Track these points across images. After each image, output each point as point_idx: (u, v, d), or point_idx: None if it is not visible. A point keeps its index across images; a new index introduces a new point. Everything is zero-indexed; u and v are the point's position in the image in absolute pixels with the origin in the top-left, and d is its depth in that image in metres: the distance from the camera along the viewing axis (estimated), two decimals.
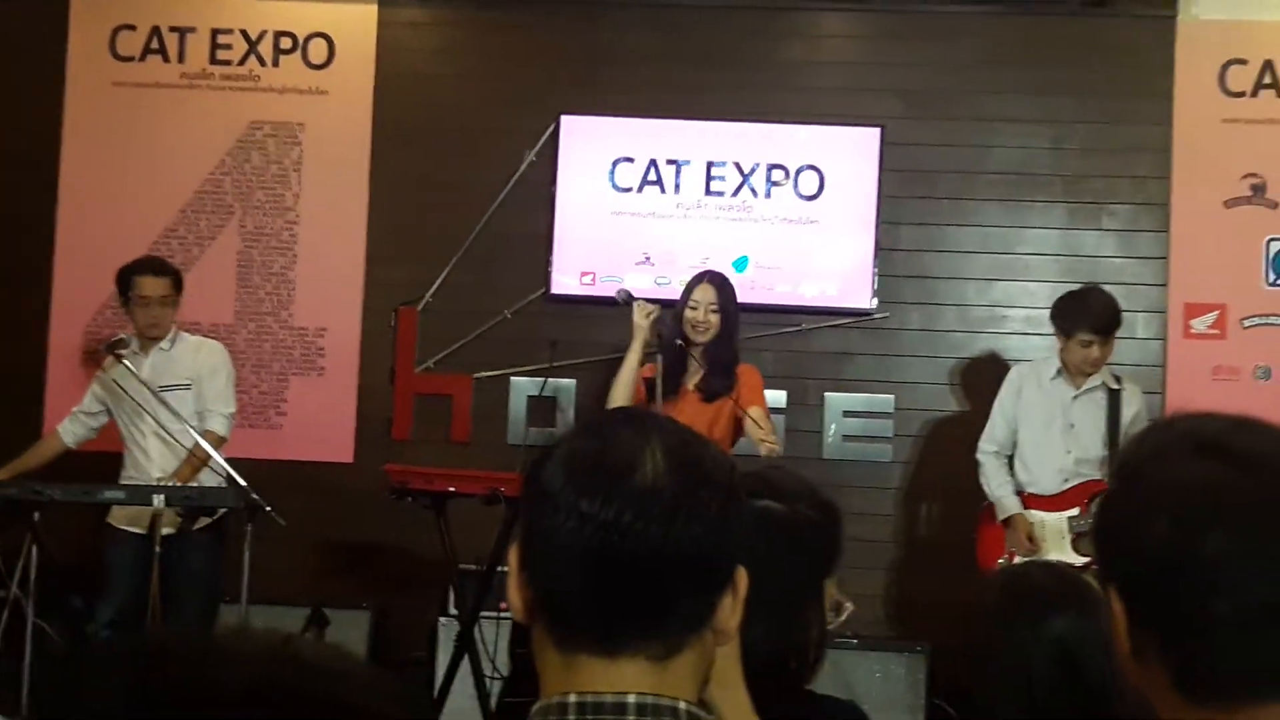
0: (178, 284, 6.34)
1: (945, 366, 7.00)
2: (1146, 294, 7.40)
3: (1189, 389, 7.27)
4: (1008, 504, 6.35)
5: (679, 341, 6.05)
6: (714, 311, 6.03)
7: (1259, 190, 7.35)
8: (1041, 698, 2.39)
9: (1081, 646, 2.39)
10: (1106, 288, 7.31)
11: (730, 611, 1.51)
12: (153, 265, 6.37)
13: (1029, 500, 6.38)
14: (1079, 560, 6.00)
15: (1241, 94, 7.39)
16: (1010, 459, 6.48)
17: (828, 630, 2.37)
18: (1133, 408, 6.36)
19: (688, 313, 6.07)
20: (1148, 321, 7.39)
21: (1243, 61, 7.39)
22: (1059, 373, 6.38)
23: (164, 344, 6.34)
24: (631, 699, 1.44)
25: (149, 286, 6.25)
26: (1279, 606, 1.33)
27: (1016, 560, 6.15)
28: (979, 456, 6.52)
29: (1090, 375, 6.34)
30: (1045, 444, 6.36)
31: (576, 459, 1.49)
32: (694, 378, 6.09)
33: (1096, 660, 2.35)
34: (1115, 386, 6.38)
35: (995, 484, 6.42)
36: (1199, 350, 7.33)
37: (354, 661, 0.92)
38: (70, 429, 6.44)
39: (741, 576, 1.52)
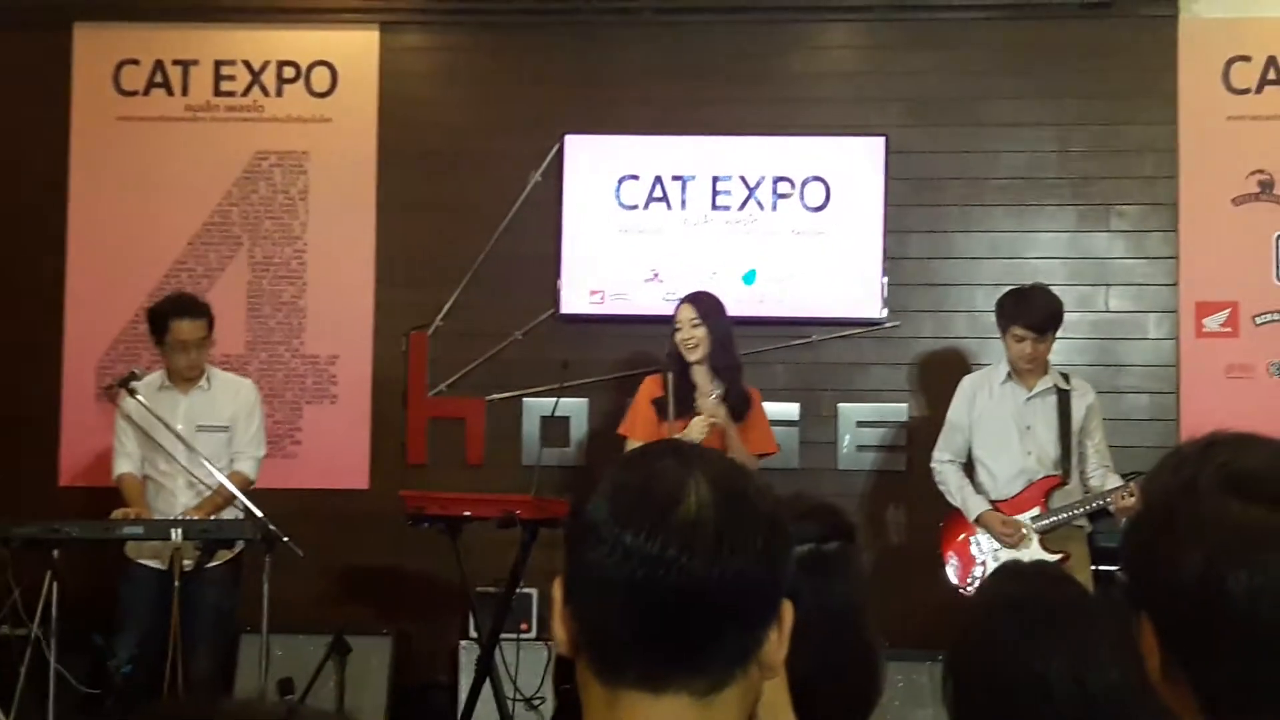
0: (211, 323, 6.29)
1: (958, 374, 6.96)
2: (1157, 294, 7.38)
3: (1203, 388, 7.25)
4: (974, 503, 6.36)
5: (676, 367, 6.17)
6: (696, 325, 6.15)
7: (1267, 186, 7.33)
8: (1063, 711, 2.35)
9: (1094, 664, 2.35)
10: (1118, 288, 7.35)
11: (776, 646, 1.50)
12: (188, 308, 6.26)
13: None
14: (1051, 557, 6.06)
15: (1246, 91, 7.38)
16: (966, 467, 6.50)
17: (880, 661, 2.34)
18: (1083, 405, 6.38)
19: (677, 337, 6.18)
20: (1159, 321, 7.37)
21: (1246, 58, 7.38)
22: (1009, 377, 6.40)
23: (203, 383, 6.32)
24: None
25: (186, 331, 6.18)
26: None
27: (1001, 558, 6.19)
28: (935, 466, 6.52)
29: (1032, 373, 6.36)
30: (1004, 449, 6.38)
31: (621, 492, 1.47)
32: (706, 397, 6.13)
33: (1107, 676, 2.32)
34: (1065, 387, 6.40)
35: (956, 487, 6.44)
36: (1212, 349, 7.31)
37: None
38: (134, 464, 6.29)
39: (787, 610, 1.51)
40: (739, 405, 6.12)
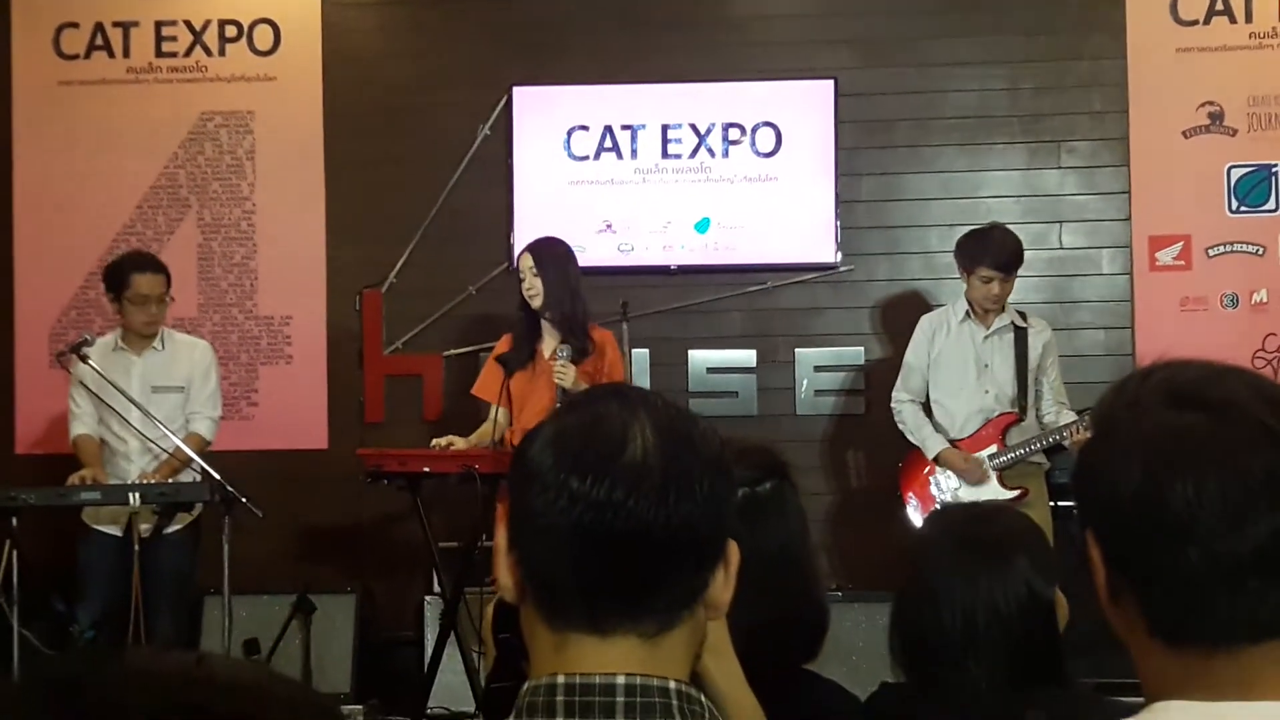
0: (169, 281, 6.25)
1: (913, 315, 6.98)
2: (1110, 229, 7.40)
3: (1157, 322, 7.29)
4: (933, 442, 6.42)
5: (526, 318, 6.14)
6: (536, 275, 6.05)
7: (1217, 118, 7.35)
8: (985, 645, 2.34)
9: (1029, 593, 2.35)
10: (1071, 225, 7.37)
11: (722, 586, 1.50)
12: (149, 262, 6.23)
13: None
14: (1010, 494, 6.23)
15: (1194, 22, 7.38)
16: (924, 407, 6.53)
17: (824, 597, 2.33)
18: (1040, 342, 6.43)
19: (522, 288, 6.12)
20: (1113, 257, 7.40)
21: None
22: (967, 315, 6.43)
23: (157, 344, 6.27)
24: (621, 680, 1.42)
25: (147, 284, 6.12)
26: (1248, 556, 1.34)
27: (961, 496, 6.26)
28: (895, 405, 6.56)
29: (995, 313, 6.39)
30: (963, 387, 6.42)
31: (564, 437, 1.47)
32: (550, 345, 6.11)
33: (1044, 603, 2.32)
34: (1022, 324, 6.44)
35: (916, 425, 6.49)
36: (1166, 282, 7.34)
37: (272, 677, 0.91)
38: (89, 426, 6.26)
39: (733, 550, 1.51)
40: (577, 356, 6.01)
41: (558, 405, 5.83)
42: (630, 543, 1.43)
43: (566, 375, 5.88)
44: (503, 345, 6.25)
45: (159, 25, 7.63)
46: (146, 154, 7.58)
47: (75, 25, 7.63)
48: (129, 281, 6.13)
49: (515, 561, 1.49)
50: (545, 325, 6.13)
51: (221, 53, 7.62)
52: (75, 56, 7.63)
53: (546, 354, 6.09)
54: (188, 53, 7.63)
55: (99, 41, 7.63)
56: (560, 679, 1.44)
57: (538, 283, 6.05)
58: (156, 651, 0.91)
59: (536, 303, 6.07)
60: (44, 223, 7.58)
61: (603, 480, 1.42)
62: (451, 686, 6.32)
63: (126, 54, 7.63)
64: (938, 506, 6.34)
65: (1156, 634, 1.39)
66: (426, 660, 6.29)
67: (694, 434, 1.49)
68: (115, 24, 7.63)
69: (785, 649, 2.24)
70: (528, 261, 6.10)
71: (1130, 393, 1.43)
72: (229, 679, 0.88)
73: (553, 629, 1.47)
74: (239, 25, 7.63)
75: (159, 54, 7.63)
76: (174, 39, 7.63)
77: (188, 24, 7.63)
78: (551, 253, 6.14)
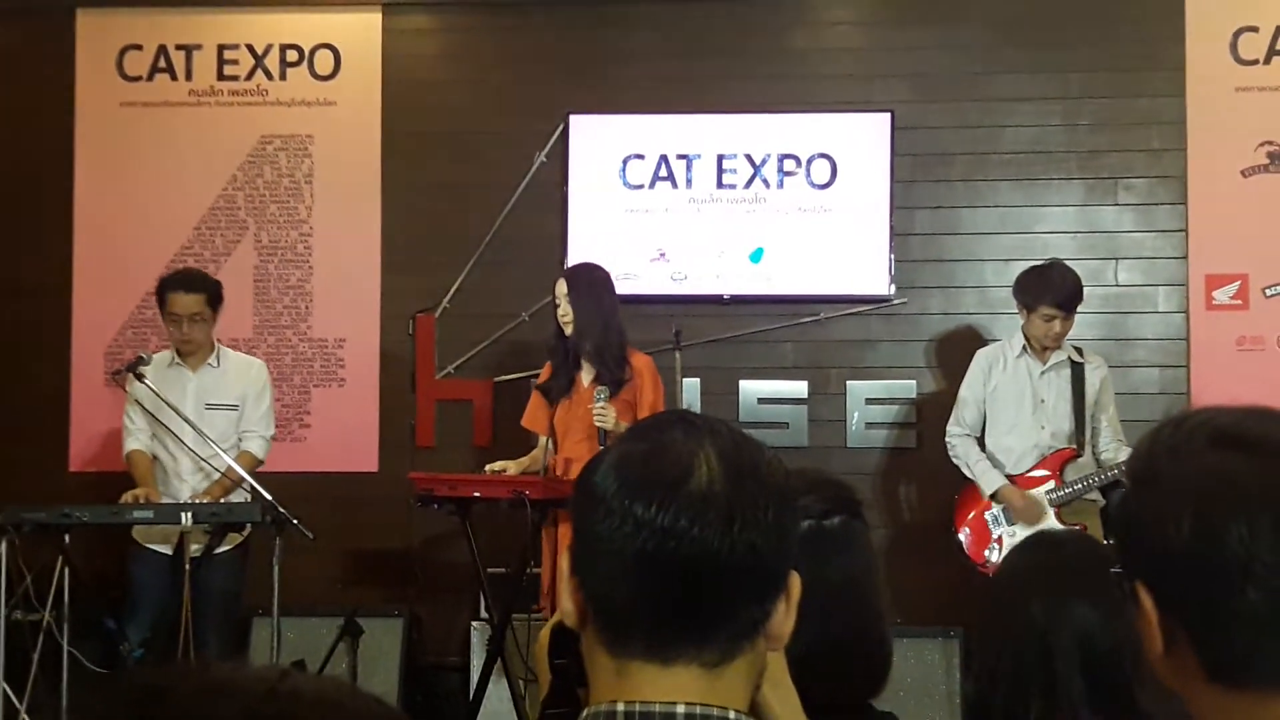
0: (214, 299, 6.27)
1: (967, 350, 6.96)
2: (1166, 267, 7.35)
3: (1213, 361, 7.23)
4: (992, 477, 6.38)
5: (563, 344, 6.13)
6: (569, 302, 6.04)
7: (1276, 158, 7.30)
8: (1062, 676, 2.33)
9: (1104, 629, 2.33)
10: (1127, 262, 7.33)
11: (784, 617, 1.50)
12: (185, 281, 6.27)
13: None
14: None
15: (1254, 61, 7.34)
16: (979, 441, 6.49)
17: (888, 635, 2.31)
18: (1097, 378, 6.40)
19: (556, 314, 6.12)
20: (1169, 295, 7.35)
21: (1254, 29, 7.34)
22: (1024, 350, 6.41)
23: (212, 361, 6.32)
24: (681, 709, 1.42)
25: (181, 304, 6.19)
26: None
27: (1017, 532, 6.19)
28: (949, 440, 6.54)
29: (1052, 349, 6.36)
30: (1019, 423, 6.39)
31: (628, 463, 1.47)
32: (589, 372, 6.11)
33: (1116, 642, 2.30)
34: (1078, 360, 6.41)
35: (973, 460, 6.45)
36: (1222, 322, 7.28)
37: (353, 693, 0.92)
38: (143, 442, 6.33)
39: (795, 581, 1.51)
40: (612, 386, 5.99)
41: (601, 447, 5.88)
42: (694, 570, 1.42)
43: (607, 417, 5.86)
44: (545, 374, 6.27)
45: (221, 49, 7.72)
46: (206, 176, 7.65)
47: (139, 47, 7.73)
48: (164, 298, 6.24)
49: (577, 586, 1.49)
50: (584, 356, 6.12)
51: (282, 77, 7.70)
52: (138, 78, 7.72)
53: (585, 382, 6.10)
54: (249, 76, 7.71)
55: (161, 64, 7.72)
56: (620, 707, 1.43)
57: (570, 309, 6.05)
58: (241, 665, 0.93)
59: (569, 329, 6.06)
60: (103, 242, 7.66)
61: (667, 507, 1.42)
62: (497, 714, 6.31)
63: (189, 77, 7.72)
64: (995, 540, 6.30)
65: (1215, 679, 1.38)
66: (472, 686, 6.28)
67: (760, 463, 1.49)
68: (178, 47, 7.72)
69: (844, 684, 2.22)
70: (562, 288, 6.11)
71: (1167, 439, 1.44)
72: (313, 693, 0.89)
73: (614, 656, 1.46)
74: (300, 50, 7.70)
75: (220, 77, 7.71)
76: (235, 62, 7.72)
77: (249, 48, 7.71)
78: (587, 279, 6.13)
